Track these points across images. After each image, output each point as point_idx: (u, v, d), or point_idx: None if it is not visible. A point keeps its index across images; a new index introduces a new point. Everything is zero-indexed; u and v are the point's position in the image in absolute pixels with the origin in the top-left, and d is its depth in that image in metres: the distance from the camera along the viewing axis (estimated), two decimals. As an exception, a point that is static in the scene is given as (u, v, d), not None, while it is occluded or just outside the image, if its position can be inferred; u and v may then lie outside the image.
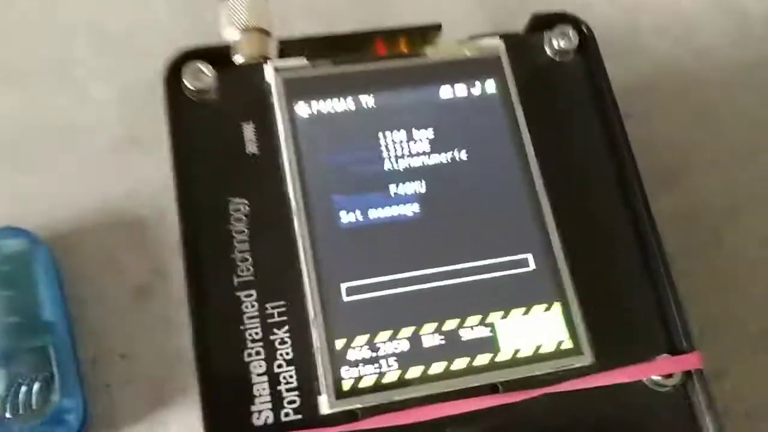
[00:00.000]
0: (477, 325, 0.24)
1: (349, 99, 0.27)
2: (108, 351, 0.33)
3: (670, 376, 0.25)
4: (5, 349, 0.30)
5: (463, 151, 0.27)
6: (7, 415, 0.29)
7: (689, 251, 0.33)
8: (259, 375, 0.24)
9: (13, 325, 0.30)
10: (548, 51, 0.29)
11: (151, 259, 0.35)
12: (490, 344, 0.24)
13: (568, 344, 0.25)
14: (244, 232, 0.25)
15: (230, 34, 0.27)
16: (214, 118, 0.27)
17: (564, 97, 0.29)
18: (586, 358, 0.25)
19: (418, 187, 0.26)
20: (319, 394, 0.23)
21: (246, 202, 0.26)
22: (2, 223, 0.32)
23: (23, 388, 0.29)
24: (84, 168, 0.36)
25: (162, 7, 0.38)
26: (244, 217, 0.25)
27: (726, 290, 0.34)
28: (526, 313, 0.25)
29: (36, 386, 0.29)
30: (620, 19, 0.40)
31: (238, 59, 0.27)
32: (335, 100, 0.27)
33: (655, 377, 0.25)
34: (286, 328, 0.24)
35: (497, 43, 0.28)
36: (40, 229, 0.34)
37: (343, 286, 0.24)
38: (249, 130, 0.26)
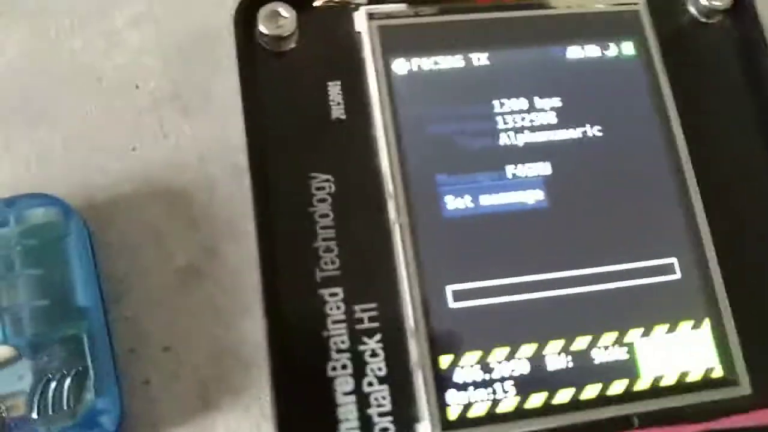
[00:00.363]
0: (613, 345, 0.20)
1: (458, 56, 0.22)
2: (149, 342, 0.29)
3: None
4: (33, 338, 0.26)
5: (596, 126, 0.22)
6: (33, 415, 0.26)
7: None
8: (345, 394, 0.19)
9: (41, 310, 0.27)
10: (693, 10, 0.24)
11: (200, 236, 0.31)
12: (627, 369, 0.20)
13: (719, 371, 0.20)
14: (328, 216, 0.21)
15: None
16: (293, 73, 0.22)
17: (712, 66, 0.24)
18: (743, 389, 0.20)
19: (542, 168, 0.21)
20: (419, 421, 0.19)
21: (331, 178, 0.21)
22: (25, 190, 0.28)
23: (52, 384, 0.26)
24: (120, 128, 0.32)
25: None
26: (328, 198, 0.21)
27: None
28: (670, 330, 0.20)
29: (67, 382, 0.26)
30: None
31: (323, 0, 0.23)
32: (441, 56, 0.22)
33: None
34: (379, 337, 0.20)
35: (638, -3, 0.23)
36: (70, 198, 0.29)
37: (449, 288, 0.20)
38: (335, 90, 0.22)
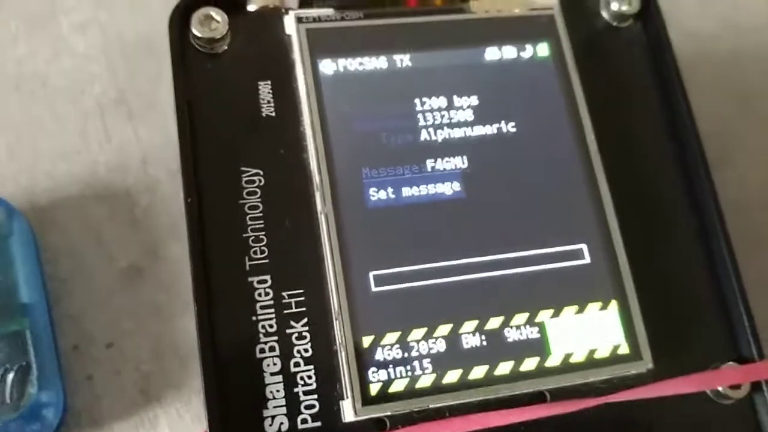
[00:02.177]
0: (524, 325, 0.21)
1: (382, 57, 0.23)
2: (92, 339, 0.30)
3: (737, 387, 0.22)
4: (-23, 333, 0.27)
5: (511, 123, 0.23)
6: (-24, 409, 0.26)
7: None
8: (273, 374, 0.21)
9: (-15, 307, 0.27)
10: (605, 14, 0.26)
11: (141, 237, 0.31)
12: (538, 347, 0.21)
13: (625, 348, 0.22)
14: (258, 207, 0.22)
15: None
16: (225, 74, 0.23)
17: (622, 66, 0.25)
18: (645, 364, 0.22)
19: (460, 162, 0.23)
20: (343, 398, 0.20)
21: (261, 173, 0.22)
22: (-30, 191, 0.29)
23: (-5, 379, 0.26)
24: (65, 131, 0.33)
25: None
26: (258, 191, 0.22)
27: None
28: (579, 311, 0.22)
29: (10, 377, 0.26)
30: None
31: (254, 6, 0.24)
32: (366, 57, 0.23)
33: (720, 388, 0.22)
34: (305, 320, 0.21)
35: (552, 1, 0.25)
36: (14, 200, 0.30)
37: (372, 274, 0.21)
38: (265, 90, 0.23)
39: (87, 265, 0.31)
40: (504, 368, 0.21)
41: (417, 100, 0.23)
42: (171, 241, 0.31)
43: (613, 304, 0.22)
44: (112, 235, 0.31)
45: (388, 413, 0.20)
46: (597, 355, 0.22)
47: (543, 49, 0.24)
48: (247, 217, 0.22)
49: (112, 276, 0.30)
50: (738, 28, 0.37)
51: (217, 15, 0.23)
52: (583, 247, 0.22)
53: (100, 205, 0.31)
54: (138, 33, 0.34)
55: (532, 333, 0.21)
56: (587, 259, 0.22)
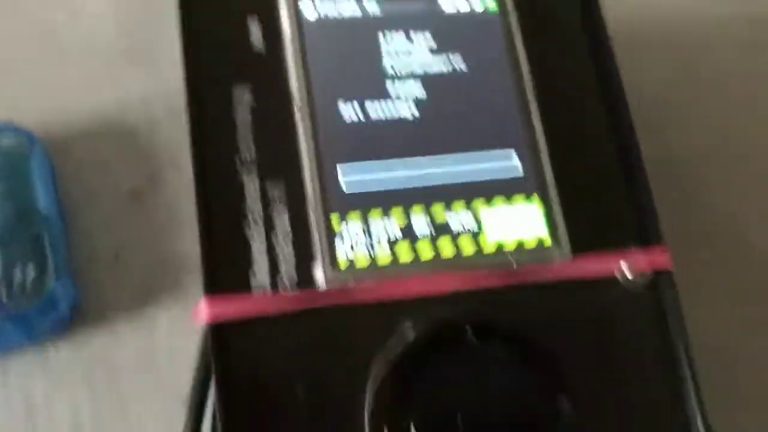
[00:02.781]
0: (463, 211, 0.26)
1: (352, 2, 0.28)
2: (101, 251, 0.34)
3: (641, 273, 0.26)
4: (2, 233, 0.31)
5: (459, 57, 0.28)
6: (3, 299, 0.30)
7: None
8: (258, 245, 0.25)
9: (10, 213, 0.32)
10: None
11: (143, 166, 0.36)
12: (476, 236, 0.26)
13: (547, 239, 0.26)
14: (247, 119, 0.27)
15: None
16: (221, 11, 0.28)
17: (557, 18, 0.30)
18: (565, 252, 0.26)
19: (415, 87, 0.27)
20: (315, 266, 0.25)
21: (249, 89, 0.27)
22: (-1, 122, 0.33)
23: (17, 272, 0.30)
24: (78, 77, 0.38)
25: None
26: (247, 105, 0.27)
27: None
28: (507, 200, 0.26)
29: (31, 270, 0.31)
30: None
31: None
32: (341, 3, 0.28)
33: (627, 273, 0.26)
34: (285, 206, 0.25)
35: (496, -38, 0.30)
36: (35, 129, 0.35)
37: (339, 166, 0.26)
38: (254, 25, 0.28)
39: (95, 190, 0.35)
40: (448, 252, 0.25)
41: (381, 37, 0.28)
42: (169, 169, 0.36)
43: (536, 198, 0.27)
44: (117, 164, 0.36)
45: (352, 279, 0.25)
46: (525, 245, 0.26)
47: (492, 3, 0.29)
48: (239, 125, 0.26)
49: (117, 199, 0.35)
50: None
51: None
52: (512, 151, 0.27)
53: (106, 138, 0.36)
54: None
55: (469, 220, 0.26)
56: (515, 162, 0.27)
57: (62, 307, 0.31)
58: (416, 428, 0.23)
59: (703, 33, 0.41)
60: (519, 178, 0.27)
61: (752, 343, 0.34)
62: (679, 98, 0.39)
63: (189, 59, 0.27)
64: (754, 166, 0.38)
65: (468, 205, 0.26)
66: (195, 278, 0.32)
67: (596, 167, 0.28)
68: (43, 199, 0.32)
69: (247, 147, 0.26)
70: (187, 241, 0.34)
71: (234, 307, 0.24)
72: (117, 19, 0.38)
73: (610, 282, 0.27)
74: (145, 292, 0.34)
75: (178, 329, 0.33)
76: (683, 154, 0.38)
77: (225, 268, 0.25)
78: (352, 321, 0.24)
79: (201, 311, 0.24)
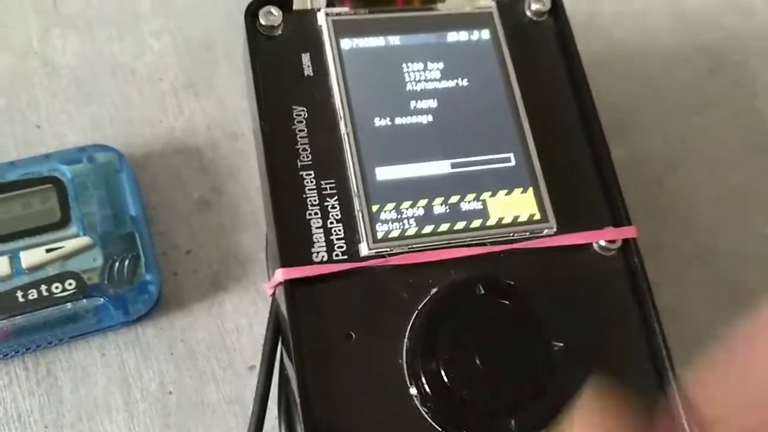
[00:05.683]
0: (473, 200, 0.34)
1: (381, 38, 0.36)
2: (175, 248, 0.41)
3: (613, 242, 0.34)
4: (103, 233, 0.39)
5: (465, 80, 0.36)
6: (107, 285, 0.38)
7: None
8: (317, 228, 0.33)
9: (107, 216, 0.39)
10: (528, 12, 0.39)
11: (209, 179, 0.43)
12: (481, 214, 0.34)
13: (538, 216, 0.34)
14: (303, 131, 0.34)
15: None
16: (281, 49, 0.36)
17: (540, 47, 0.38)
18: (551, 227, 0.34)
19: (432, 103, 0.35)
20: (360, 242, 0.33)
21: (304, 109, 0.35)
22: (93, 142, 0.41)
23: (116, 263, 0.38)
24: (149, 106, 0.45)
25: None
26: (304, 120, 0.34)
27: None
28: (508, 194, 0.34)
29: (126, 262, 0.38)
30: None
31: (298, 6, 0.36)
32: (371, 38, 0.36)
33: (602, 242, 0.34)
34: (336, 197, 0.33)
35: (491, 4, 0.38)
36: (121, 149, 0.42)
37: (378, 169, 0.33)
38: (306, 58, 0.35)
39: (170, 198, 0.42)
40: (460, 226, 0.33)
41: (404, 65, 0.36)
42: (230, 181, 0.43)
43: (530, 190, 0.34)
44: (187, 178, 0.43)
45: (388, 250, 0.33)
46: (519, 220, 0.34)
47: (486, 34, 0.37)
48: (297, 137, 0.34)
49: (189, 205, 0.42)
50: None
51: (275, 11, 0.36)
52: (511, 155, 0.35)
53: (177, 157, 0.43)
54: (198, 36, 0.47)
55: (478, 206, 0.34)
56: (513, 163, 0.35)
57: (152, 291, 0.38)
58: (443, 364, 0.31)
59: (662, 57, 0.49)
60: (516, 175, 0.34)
61: (701, 300, 0.42)
62: (639, 107, 0.48)
63: (258, 88, 0.34)
64: (699, 159, 0.47)
65: (477, 197, 0.34)
66: (253, 268, 0.40)
67: (575, 164, 0.36)
68: (132, 205, 0.39)
69: (305, 153, 0.34)
70: (247, 238, 0.41)
71: (301, 273, 0.31)
72: (179, 59, 0.45)
73: (588, 249, 0.34)
74: (215, 281, 0.40)
75: (242, 311, 0.40)
76: (644, 154, 0.46)
77: (293, 246, 0.32)
78: (388, 281, 0.32)
79: (275, 281, 0.32)
